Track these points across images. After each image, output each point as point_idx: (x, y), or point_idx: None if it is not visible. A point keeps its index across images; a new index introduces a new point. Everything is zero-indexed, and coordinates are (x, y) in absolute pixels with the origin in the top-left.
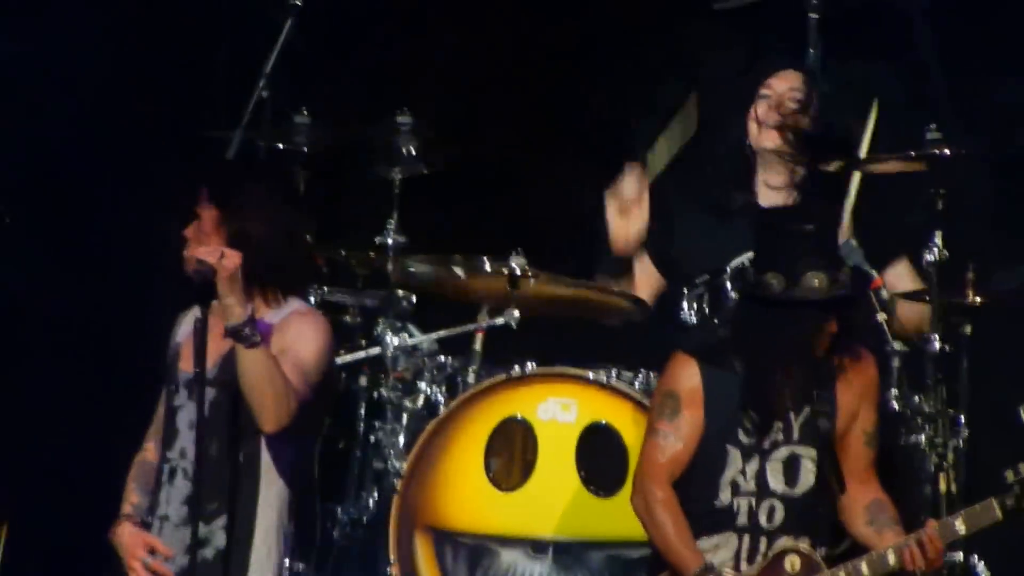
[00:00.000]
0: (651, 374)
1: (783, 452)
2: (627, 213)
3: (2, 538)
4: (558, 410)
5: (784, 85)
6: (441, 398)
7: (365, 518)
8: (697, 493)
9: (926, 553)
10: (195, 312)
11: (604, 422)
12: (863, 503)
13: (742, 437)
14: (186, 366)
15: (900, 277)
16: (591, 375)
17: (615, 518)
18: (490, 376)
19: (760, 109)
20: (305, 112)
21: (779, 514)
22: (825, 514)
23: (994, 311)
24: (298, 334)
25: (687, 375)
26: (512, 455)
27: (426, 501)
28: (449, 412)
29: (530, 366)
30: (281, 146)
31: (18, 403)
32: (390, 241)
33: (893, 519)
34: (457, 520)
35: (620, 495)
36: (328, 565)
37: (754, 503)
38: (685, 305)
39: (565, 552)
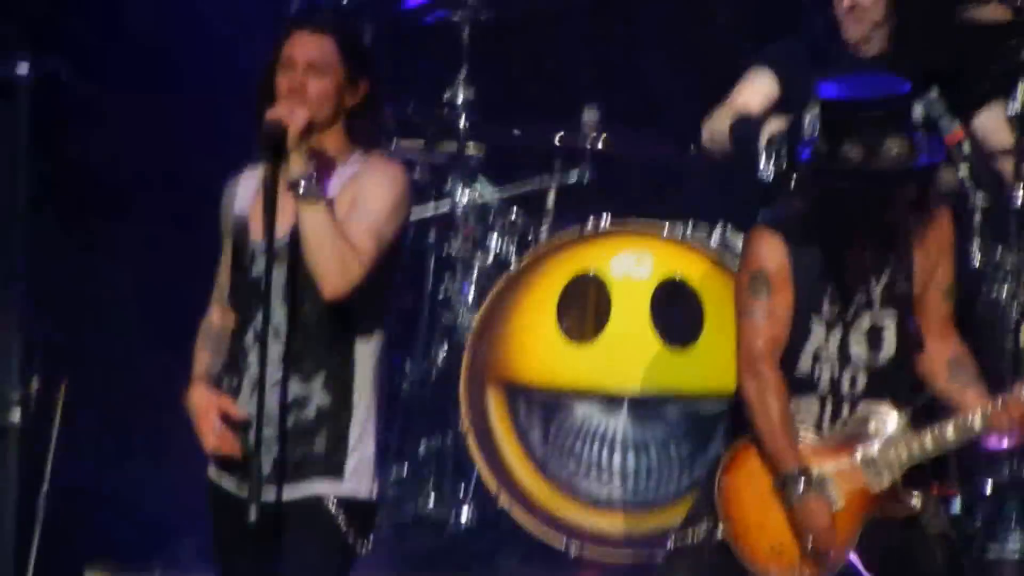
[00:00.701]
0: (727, 227)
1: (865, 320)
2: None
3: (61, 397)
4: (632, 264)
5: None
6: (512, 254)
7: (434, 373)
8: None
9: (1012, 415)
10: (247, 177)
11: (679, 277)
12: (944, 358)
13: (825, 308)
14: (258, 235)
15: (994, 120)
16: (665, 229)
17: (691, 371)
18: (562, 231)
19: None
20: None
21: (861, 381)
22: (907, 378)
23: None
24: (373, 182)
25: (773, 252)
26: (585, 310)
27: (497, 355)
28: (521, 267)
29: (604, 221)
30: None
31: (80, 260)
32: (459, 96)
33: (974, 376)
34: (530, 374)
35: (696, 348)
36: (397, 420)
37: (836, 370)
38: (762, 161)
39: (640, 406)
